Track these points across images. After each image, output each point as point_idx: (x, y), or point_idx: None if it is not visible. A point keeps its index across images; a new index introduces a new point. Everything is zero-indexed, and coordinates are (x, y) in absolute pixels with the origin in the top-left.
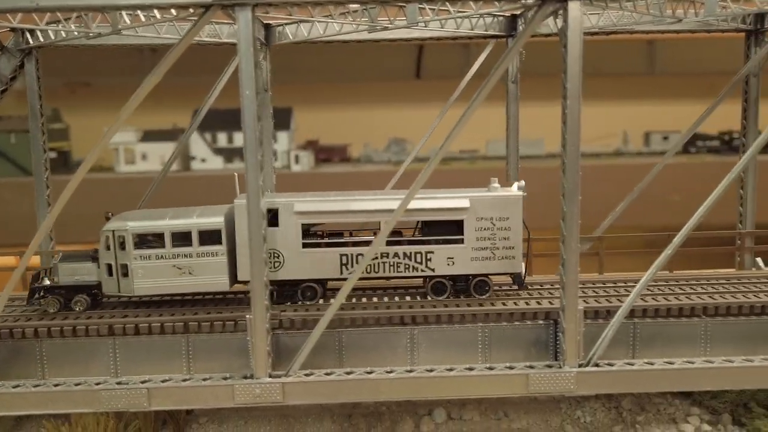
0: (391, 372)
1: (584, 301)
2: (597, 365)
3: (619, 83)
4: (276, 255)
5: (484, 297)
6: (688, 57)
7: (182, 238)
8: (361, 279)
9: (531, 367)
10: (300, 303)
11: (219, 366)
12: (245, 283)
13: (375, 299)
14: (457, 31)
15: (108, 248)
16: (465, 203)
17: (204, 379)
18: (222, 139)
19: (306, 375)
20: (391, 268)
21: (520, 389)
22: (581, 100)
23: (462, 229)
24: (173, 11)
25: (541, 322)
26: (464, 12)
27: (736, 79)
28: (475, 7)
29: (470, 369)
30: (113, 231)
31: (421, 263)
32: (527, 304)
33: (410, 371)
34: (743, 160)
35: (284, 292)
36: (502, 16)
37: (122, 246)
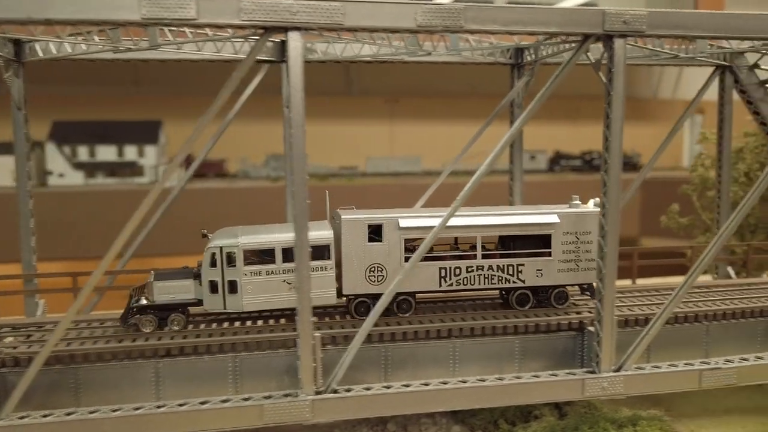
0: None
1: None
2: (335, 391)
3: (492, 104)
4: (379, 269)
5: (563, 307)
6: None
7: (292, 254)
8: (455, 291)
9: (268, 397)
10: (394, 315)
11: None
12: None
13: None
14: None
15: (213, 265)
16: (554, 219)
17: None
18: (83, 152)
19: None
20: (486, 280)
21: (254, 420)
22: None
23: (549, 242)
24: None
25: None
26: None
27: (501, 106)
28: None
29: (204, 403)
30: (221, 247)
31: (512, 275)
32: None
33: None
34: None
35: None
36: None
37: (231, 262)
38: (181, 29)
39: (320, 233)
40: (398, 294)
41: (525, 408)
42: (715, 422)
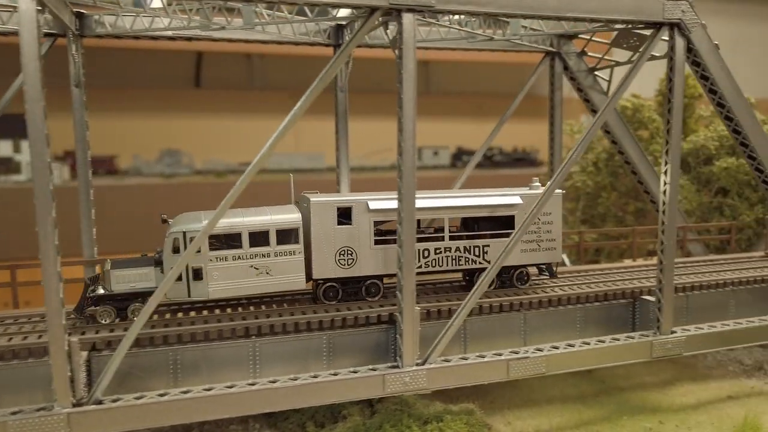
0: None
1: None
2: (99, 402)
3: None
4: (349, 252)
5: (524, 287)
6: (460, 79)
7: (260, 238)
8: (422, 273)
9: (15, 413)
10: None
11: None
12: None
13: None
14: (284, 37)
15: (176, 251)
16: (518, 200)
17: None
18: None
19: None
20: (453, 261)
21: None
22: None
23: (513, 223)
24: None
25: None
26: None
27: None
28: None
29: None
30: (184, 232)
31: (479, 256)
32: None
33: None
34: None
35: (348, 289)
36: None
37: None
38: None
39: (288, 216)
40: (366, 278)
41: (336, 408)
42: (534, 412)
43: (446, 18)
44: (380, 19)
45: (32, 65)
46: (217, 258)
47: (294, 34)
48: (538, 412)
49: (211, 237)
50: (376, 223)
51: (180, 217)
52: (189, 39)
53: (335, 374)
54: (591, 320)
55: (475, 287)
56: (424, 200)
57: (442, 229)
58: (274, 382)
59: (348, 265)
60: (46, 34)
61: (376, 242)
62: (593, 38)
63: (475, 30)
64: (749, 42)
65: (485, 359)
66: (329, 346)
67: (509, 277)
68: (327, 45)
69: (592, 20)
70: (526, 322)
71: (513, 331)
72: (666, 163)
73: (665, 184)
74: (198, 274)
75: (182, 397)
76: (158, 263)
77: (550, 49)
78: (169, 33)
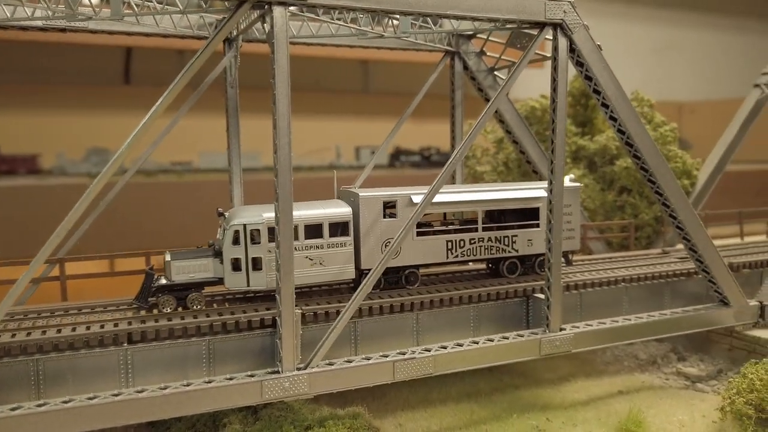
0: None
1: None
2: None
3: (337, 99)
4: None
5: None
6: (398, 79)
7: (314, 230)
8: (458, 262)
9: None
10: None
11: None
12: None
13: None
14: (165, 30)
15: (236, 242)
16: (543, 193)
17: None
18: None
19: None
20: (486, 250)
21: None
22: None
23: (537, 215)
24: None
25: None
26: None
27: (210, 77)
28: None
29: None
30: (245, 225)
31: (508, 245)
32: None
33: None
34: None
35: (389, 279)
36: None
37: (254, 240)
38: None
39: (340, 210)
40: (406, 267)
41: (217, 416)
42: (428, 413)
43: (336, 14)
44: (256, 13)
45: None
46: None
47: (175, 27)
48: (432, 413)
49: (271, 229)
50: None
51: (236, 210)
52: (63, 30)
53: (209, 382)
54: (484, 319)
55: (360, 288)
56: (460, 194)
57: (468, 221)
58: (140, 391)
59: (393, 255)
60: None
61: (417, 234)
62: (490, 38)
63: (363, 27)
64: (680, 47)
65: (370, 361)
66: (209, 352)
67: (531, 265)
68: (201, 38)
69: (474, 18)
70: (419, 322)
71: (405, 331)
72: (552, 162)
73: (551, 183)
74: (257, 264)
75: (36, 411)
76: (216, 254)
77: (449, 48)
78: (39, 23)
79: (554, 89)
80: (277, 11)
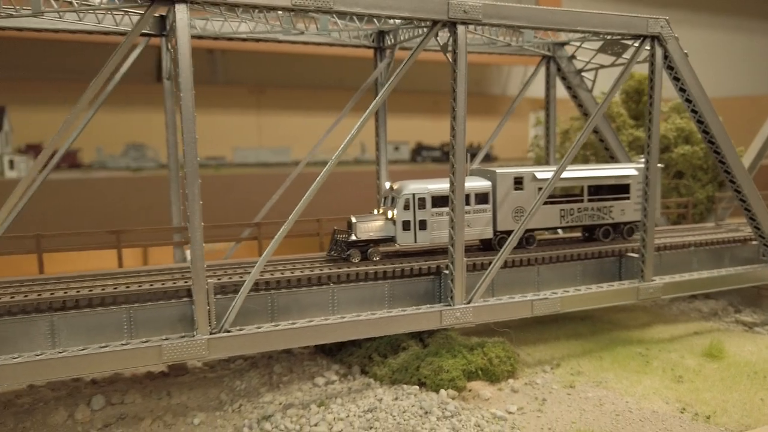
0: None
1: (218, 278)
2: (228, 331)
3: (362, 97)
4: (521, 210)
5: (630, 238)
6: (420, 77)
7: (465, 199)
8: (568, 227)
9: (166, 339)
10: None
11: None
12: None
13: None
14: (97, 25)
15: (407, 208)
16: (634, 172)
17: None
18: None
19: None
20: (588, 218)
21: (154, 359)
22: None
23: (628, 189)
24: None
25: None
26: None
27: (367, 83)
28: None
29: (105, 346)
30: (414, 194)
31: (606, 214)
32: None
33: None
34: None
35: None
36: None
37: (421, 205)
38: None
39: (483, 183)
40: (527, 231)
41: (394, 343)
42: (547, 347)
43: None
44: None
45: None
46: (437, 213)
47: (348, 37)
48: (550, 346)
49: (434, 197)
50: (539, 189)
51: (403, 184)
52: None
53: (404, 311)
54: (588, 273)
55: (506, 245)
56: (570, 172)
57: (572, 195)
58: (358, 315)
59: (520, 220)
60: None
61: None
62: (582, 46)
63: (497, 38)
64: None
65: (515, 300)
66: (390, 293)
67: (621, 231)
68: (369, 47)
69: (595, 33)
70: (539, 274)
71: (530, 281)
72: (648, 146)
73: (647, 162)
74: (423, 225)
75: (305, 326)
76: (388, 218)
77: (547, 53)
78: None
79: (651, 87)
80: (460, 29)
